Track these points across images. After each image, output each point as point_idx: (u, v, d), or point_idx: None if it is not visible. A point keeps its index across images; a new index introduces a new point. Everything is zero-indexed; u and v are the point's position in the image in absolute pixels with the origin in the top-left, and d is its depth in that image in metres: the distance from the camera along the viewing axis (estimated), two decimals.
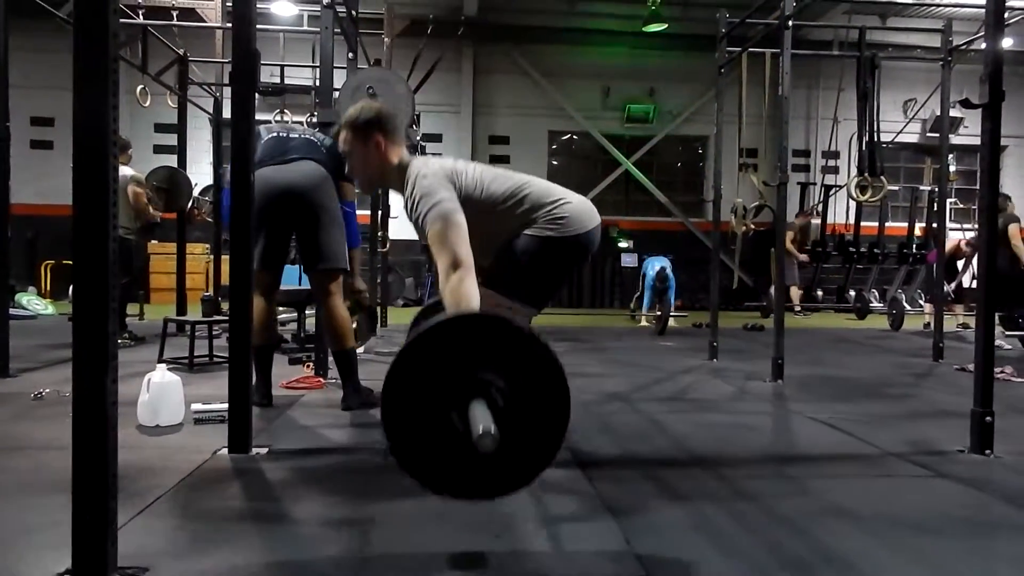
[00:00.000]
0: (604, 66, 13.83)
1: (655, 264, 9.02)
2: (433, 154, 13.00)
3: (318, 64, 5.12)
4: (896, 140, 10.07)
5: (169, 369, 3.27)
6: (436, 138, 13.34)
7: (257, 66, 2.78)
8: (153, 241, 11.39)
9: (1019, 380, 4.95)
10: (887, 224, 11.15)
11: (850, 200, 8.39)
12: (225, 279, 6.55)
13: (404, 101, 4.63)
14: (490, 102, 13.87)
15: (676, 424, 3.41)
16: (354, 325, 4.01)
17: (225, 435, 2.70)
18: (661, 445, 3.03)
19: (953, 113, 6.75)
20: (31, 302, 9.08)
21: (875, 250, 10.81)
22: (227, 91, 3.22)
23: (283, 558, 1.76)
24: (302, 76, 9.12)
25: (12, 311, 5.60)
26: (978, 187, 3.14)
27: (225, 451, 2.68)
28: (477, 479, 1.70)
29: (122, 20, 5.97)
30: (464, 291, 2.08)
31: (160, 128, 12.03)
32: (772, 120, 9.77)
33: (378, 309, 5.16)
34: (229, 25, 3.79)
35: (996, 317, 4.66)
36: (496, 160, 14.08)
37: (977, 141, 2.96)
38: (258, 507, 2.15)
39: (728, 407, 3.96)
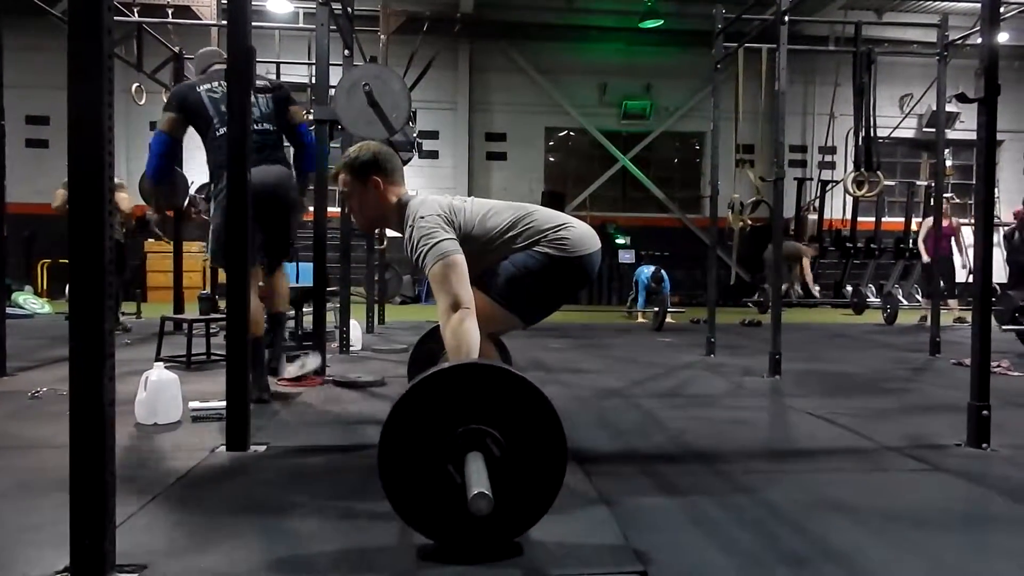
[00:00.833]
0: (601, 62, 13.83)
1: (648, 269, 9.07)
2: (430, 152, 13.02)
3: (314, 61, 5.12)
4: (892, 135, 10.08)
5: (166, 367, 3.27)
6: (433, 135, 13.33)
7: (253, 64, 2.77)
8: (150, 240, 11.40)
9: (1016, 374, 4.96)
10: (884, 219, 11.17)
11: (847, 195, 8.41)
12: (222, 277, 6.54)
13: (400, 98, 4.62)
14: (487, 99, 13.85)
15: (674, 419, 3.42)
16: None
17: (223, 433, 2.70)
18: (659, 440, 3.03)
19: (949, 108, 6.75)
20: (28, 301, 9.06)
21: (872, 245, 10.83)
22: None
23: (281, 556, 1.76)
24: (298, 73, 9.12)
25: (9, 310, 5.59)
26: (974, 182, 3.15)
27: (223, 449, 2.68)
28: (476, 529, 1.73)
29: (117, 18, 5.95)
30: (464, 333, 2.09)
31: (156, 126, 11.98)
32: (768, 116, 9.78)
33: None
34: (224, 22, 3.78)
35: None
36: (493, 156, 14.07)
37: (973, 136, 2.96)
38: (256, 505, 2.15)
39: (725, 402, 3.96)
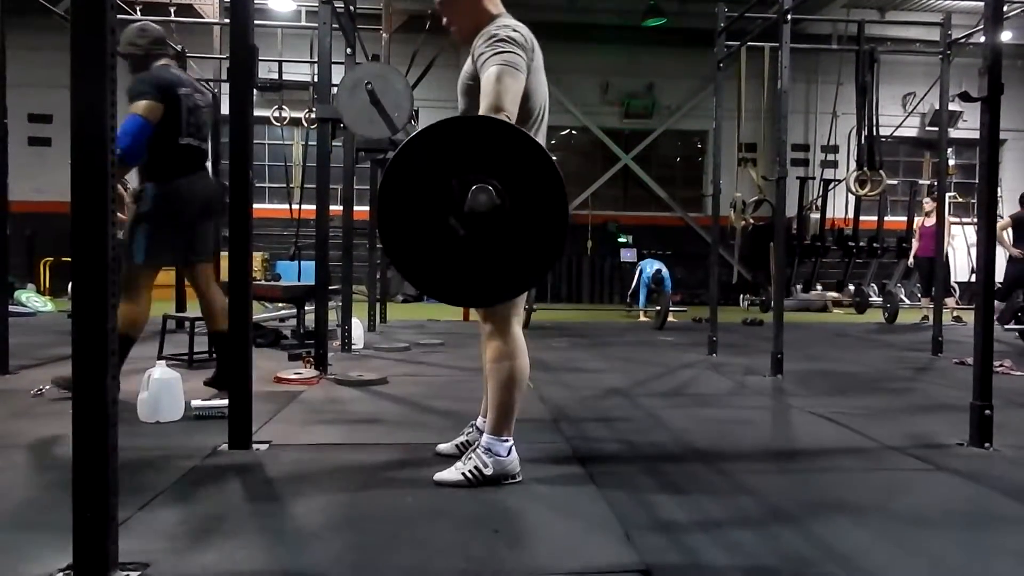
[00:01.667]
0: (603, 61, 13.81)
1: (653, 265, 9.06)
2: None
3: (316, 60, 5.11)
4: (895, 134, 10.07)
5: (169, 366, 3.28)
6: None
7: (255, 62, 2.77)
8: None
9: (1018, 373, 4.95)
10: (886, 218, 11.15)
11: (849, 194, 8.40)
12: (224, 276, 6.54)
13: (403, 97, 4.62)
14: None
15: (676, 419, 3.42)
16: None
17: (225, 431, 2.71)
18: (661, 440, 3.03)
19: (952, 107, 6.73)
20: (30, 299, 9.08)
21: (874, 244, 10.81)
22: (225, 87, 3.21)
23: (283, 554, 1.76)
24: (300, 72, 9.11)
25: (11, 308, 5.60)
26: (977, 181, 3.14)
27: (225, 447, 2.68)
28: (481, 280, 1.67)
29: (119, 16, 5.95)
30: None
31: None
32: (771, 114, 9.77)
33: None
34: (227, 21, 3.79)
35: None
36: None
37: (976, 135, 2.96)
38: (259, 503, 2.15)
39: (727, 402, 3.96)
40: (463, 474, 2.28)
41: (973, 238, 10.09)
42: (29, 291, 9.57)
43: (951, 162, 11.74)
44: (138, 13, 6.75)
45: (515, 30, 2.19)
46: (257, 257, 11.42)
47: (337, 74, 4.92)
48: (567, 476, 2.44)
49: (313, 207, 4.65)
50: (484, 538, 1.87)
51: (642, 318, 9.52)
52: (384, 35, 6.75)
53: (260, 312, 6.84)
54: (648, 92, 14.13)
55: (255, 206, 2.77)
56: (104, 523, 1.55)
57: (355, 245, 6.03)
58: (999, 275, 5.88)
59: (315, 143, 4.95)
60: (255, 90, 2.83)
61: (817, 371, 5.08)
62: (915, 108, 11.62)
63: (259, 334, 5.82)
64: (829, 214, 11.55)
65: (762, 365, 4.95)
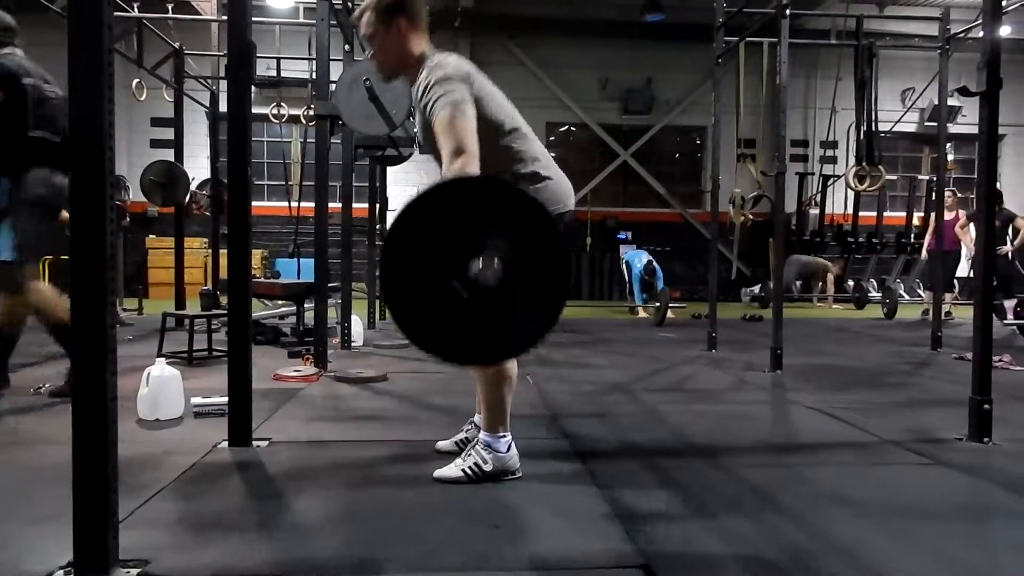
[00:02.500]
0: (601, 57, 13.79)
1: (641, 257, 9.04)
2: None
3: (314, 56, 5.10)
4: (894, 129, 10.06)
5: (168, 363, 3.28)
6: None
7: (253, 59, 2.76)
8: (151, 235, 11.40)
9: (1017, 368, 4.96)
10: (885, 213, 11.15)
11: (848, 190, 8.40)
12: (223, 273, 6.55)
13: (401, 93, 4.61)
14: None
15: (676, 414, 3.42)
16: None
17: (225, 428, 2.71)
18: (661, 435, 3.04)
19: (951, 102, 6.72)
20: None
21: (873, 240, 10.82)
22: (223, 84, 3.22)
23: (284, 550, 1.77)
24: (298, 69, 9.08)
25: None
26: (976, 176, 3.14)
27: (225, 444, 2.69)
28: (484, 342, 1.68)
29: (117, 13, 5.95)
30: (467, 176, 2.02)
31: (157, 122, 12.00)
32: (770, 110, 9.76)
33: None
34: (225, 18, 3.76)
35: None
36: None
37: (975, 130, 2.96)
38: (259, 500, 2.16)
39: (727, 397, 3.97)
40: (463, 470, 2.28)
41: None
42: None
43: (950, 157, 11.73)
44: (135, 10, 6.73)
45: (444, 68, 2.21)
46: (256, 254, 11.42)
47: (335, 71, 4.92)
48: (567, 472, 2.44)
49: (312, 204, 4.65)
50: (484, 533, 1.88)
51: (642, 314, 9.52)
52: None
53: (259, 310, 6.84)
54: (647, 87, 14.11)
55: (254, 203, 2.76)
56: (105, 520, 1.55)
57: (354, 242, 6.03)
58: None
59: (314, 140, 4.95)
60: (253, 87, 2.83)
61: (817, 366, 5.08)
62: (914, 103, 11.62)
63: (259, 331, 5.82)
64: (828, 210, 11.56)
65: (762, 360, 4.95)
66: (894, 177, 13.23)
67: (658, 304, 8.53)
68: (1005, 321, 7.08)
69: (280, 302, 6.77)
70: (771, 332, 4.77)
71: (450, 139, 2.08)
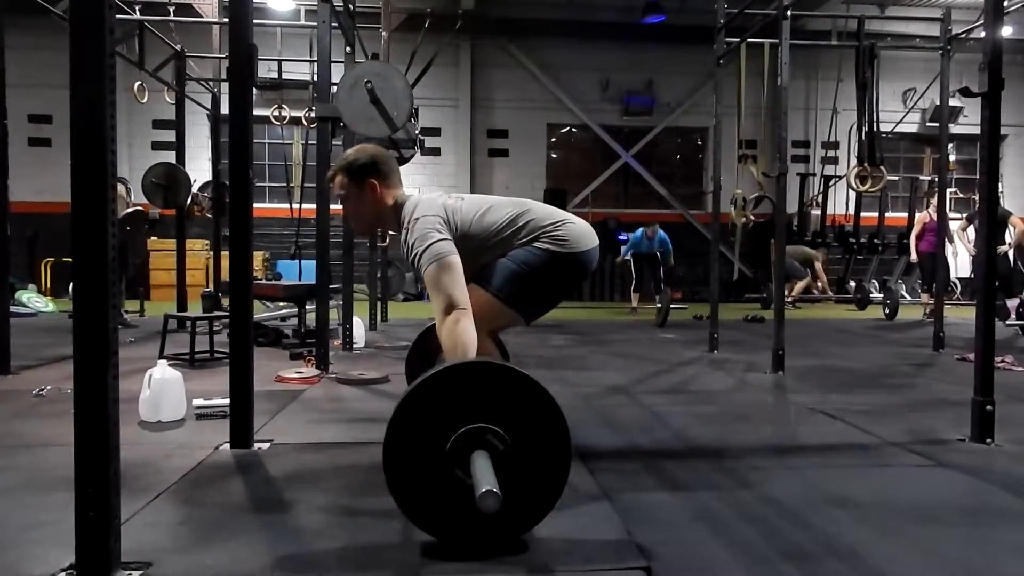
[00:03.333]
0: (602, 58, 13.80)
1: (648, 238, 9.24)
2: (432, 149, 13.01)
3: (316, 59, 5.11)
4: (895, 130, 10.06)
5: (170, 365, 3.28)
6: (435, 132, 13.31)
7: (255, 61, 2.77)
8: (153, 237, 11.41)
9: (1019, 369, 4.95)
10: (887, 214, 11.14)
11: (850, 191, 8.39)
12: (225, 275, 6.56)
13: (402, 95, 4.62)
14: (488, 96, 13.83)
15: (677, 415, 3.42)
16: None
17: (227, 430, 2.71)
18: (662, 436, 3.03)
19: (952, 102, 6.73)
20: (31, 300, 9.08)
21: (875, 240, 10.81)
22: (225, 86, 3.22)
23: (286, 552, 1.76)
24: (300, 71, 9.10)
25: (13, 309, 5.60)
26: (978, 176, 3.14)
27: (227, 446, 2.69)
28: (483, 527, 1.74)
29: (118, 16, 5.95)
30: (460, 333, 2.08)
31: (158, 124, 12.02)
32: (771, 111, 9.73)
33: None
34: (226, 20, 3.77)
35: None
36: (495, 153, 14.06)
37: (977, 130, 2.95)
38: (261, 502, 2.16)
39: (729, 398, 3.96)
40: None
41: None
42: (30, 291, 9.58)
43: (952, 158, 11.72)
44: (137, 13, 6.74)
45: (417, 220, 2.26)
46: (258, 256, 11.42)
47: (337, 73, 4.93)
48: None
49: (313, 206, 4.65)
50: None
51: (634, 304, 9.59)
52: (383, 34, 6.74)
53: (261, 311, 6.85)
54: (648, 89, 14.11)
55: (255, 205, 2.77)
56: (106, 522, 1.55)
57: (356, 244, 6.04)
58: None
59: (315, 142, 4.95)
60: (255, 89, 2.83)
61: (818, 367, 5.08)
62: (915, 104, 11.62)
63: (260, 333, 5.83)
64: (830, 210, 11.55)
65: (763, 362, 4.94)
66: (895, 178, 13.23)
67: (659, 305, 8.54)
68: (1007, 322, 7.08)
69: (282, 304, 6.77)
70: (772, 333, 4.77)
71: (439, 296, 2.15)
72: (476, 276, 2.35)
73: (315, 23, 4.91)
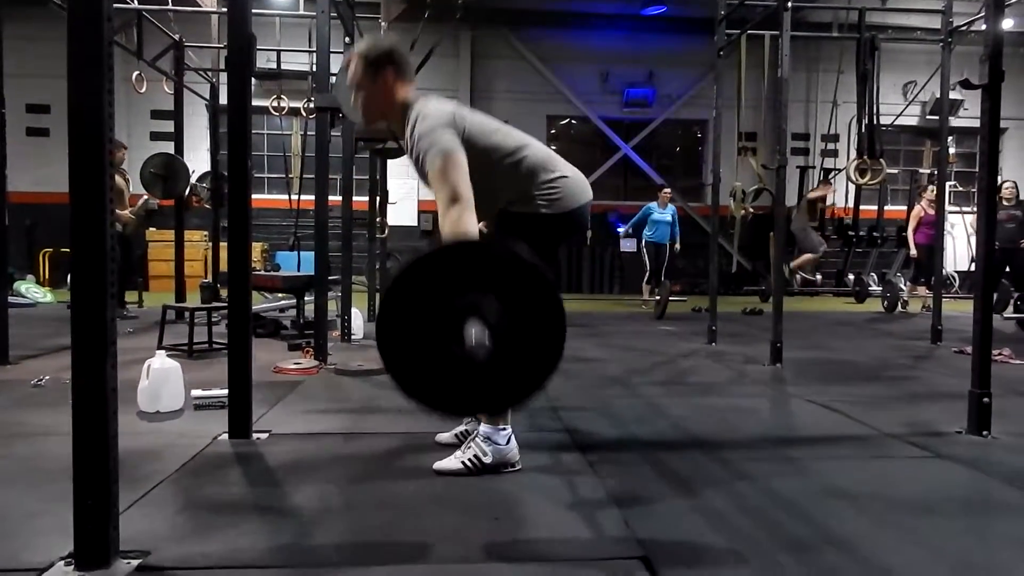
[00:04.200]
0: (602, 50, 13.75)
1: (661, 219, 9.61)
2: None
3: (315, 49, 5.09)
4: (896, 123, 10.01)
5: (169, 356, 3.28)
6: None
7: (253, 51, 2.76)
8: (152, 228, 11.39)
9: (1017, 362, 4.96)
10: (886, 207, 11.12)
11: (849, 183, 8.38)
12: (224, 266, 6.56)
13: None
14: (488, 87, 13.79)
15: (675, 407, 3.42)
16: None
17: (225, 421, 2.71)
18: (661, 428, 3.04)
19: (953, 95, 6.69)
20: (30, 290, 9.07)
21: (874, 233, 10.80)
22: (224, 77, 3.21)
23: (284, 542, 1.77)
24: (299, 61, 9.05)
25: (11, 299, 5.60)
26: (977, 169, 3.14)
27: (225, 436, 2.69)
28: (482, 394, 1.72)
29: (116, 5, 5.91)
30: (463, 225, 2.09)
31: (157, 114, 11.98)
32: (771, 103, 9.70)
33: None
34: (225, 10, 3.75)
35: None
36: None
37: (977, 123, 2.95)
38: (259, 491, 2.16)
39: (727, 390, 3.97)
40: (463, 462, 2.29)
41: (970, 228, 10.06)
42: (29, 282, 9.57)
43: (952, 150, 11.69)
44: (135, 2, 6.71)
45: (427, 118, 2.23)
46: (256, 247, 11.41)
47: (336, 63, 4.90)
48: (567, 464, 2.45)
49: (312, 197, 4.65)
50: (484, 526, 1.88)
51: (646, 296, 9.61)
52: (383, 24, 6.70)
53: (260, 302, 6.85)
54: (648, 81, 14.07)
55: (254, 196, 2.77)
56: (105, 511, 1.56)
57: (354, 235, 6.03)
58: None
59: (314, 133, 4.94)
60: (253, 80, 2.82)
61: (817, 360, 5.09)
62: (916, 96, 11.55)
63: (259, 324, 5.83)
64: (829, 203, 11.52)
65: (762, 354, 4.95)
66: (895, 171, 13.21)
67: (658, 297, 8.55)
68: (1005, 315, 7.08)
69: (280, 295, 6.77)
70: (771, 326, 4.77)
71: (444, 189, 2.14)
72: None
73: (314, 13, 4.89)
